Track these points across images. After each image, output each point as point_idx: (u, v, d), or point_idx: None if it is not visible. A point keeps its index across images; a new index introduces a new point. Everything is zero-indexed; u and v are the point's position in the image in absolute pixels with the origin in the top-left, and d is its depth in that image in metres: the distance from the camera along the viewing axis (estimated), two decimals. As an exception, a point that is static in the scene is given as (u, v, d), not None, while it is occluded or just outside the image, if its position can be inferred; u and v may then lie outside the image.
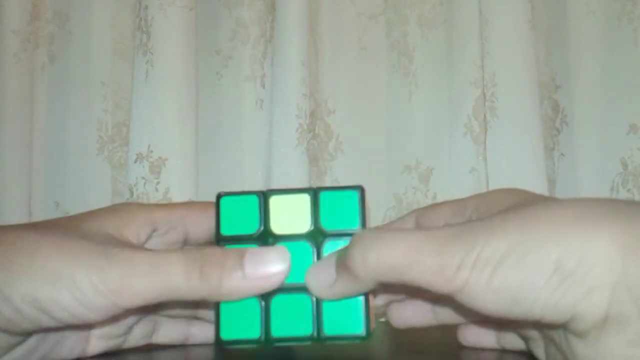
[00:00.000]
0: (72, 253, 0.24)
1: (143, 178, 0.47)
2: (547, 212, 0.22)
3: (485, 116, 0.47)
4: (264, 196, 0.27)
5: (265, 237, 0.27)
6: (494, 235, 0.21)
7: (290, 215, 0.27)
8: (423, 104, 0.50)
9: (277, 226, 0.27)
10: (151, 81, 0.47)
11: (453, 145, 0.49)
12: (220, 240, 0.27)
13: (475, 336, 0.29)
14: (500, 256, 0.21)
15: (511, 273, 0.21)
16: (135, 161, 0.47)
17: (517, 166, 0.46)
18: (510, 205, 0.24)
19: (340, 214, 0.27)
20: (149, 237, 0.28)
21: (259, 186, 0.50)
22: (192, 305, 0.30)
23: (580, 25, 0.49)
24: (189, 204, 0.30)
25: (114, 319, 0.26)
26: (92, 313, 0.24)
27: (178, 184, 0.47)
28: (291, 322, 0.26)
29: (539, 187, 0.45)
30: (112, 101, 0.52)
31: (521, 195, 0.26)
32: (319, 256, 0.27)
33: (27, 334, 0.26)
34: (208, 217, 0.29)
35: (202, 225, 0.29)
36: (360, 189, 0.27)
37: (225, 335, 0.26)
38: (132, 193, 0.47)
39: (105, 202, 0.52)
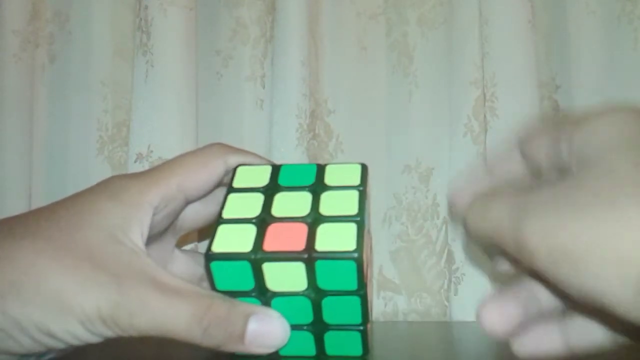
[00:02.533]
0: (82, 283, 0.24)
1: (143, 178, 0.47)
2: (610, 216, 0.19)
3: (485, 116, 0.47)
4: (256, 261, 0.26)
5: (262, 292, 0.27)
6: (575, 223, 0.20)
7: (286, 277, 0.27)
8: (423, 104, 0.50)
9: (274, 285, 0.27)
10: (151, 81, 0.47)
11: (453, 145, 0.49)
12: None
13: (535, 340, 0.26)
14: (577, 252, 0.19)
15: (583, 273, 0.19)
16: (135, 161, 0.47)
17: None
18: (603, 164, 0.21)
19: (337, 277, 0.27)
20: (152, 222, 0.28)
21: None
22: None
23: (580, 25, 0.49)
24: (180, 168, 0.29)
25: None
26: (97, 338, 0.25)
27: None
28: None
29: (539, 187, 0.45)
30: (112, 101, 0.52)
31: (621, 131, 0.23)
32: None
33: None
34: (204, 173, 0.29)
35: (199, 183, 0.30)
36: (358, 256, 0.26)
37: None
38: (132, 193, 0.47)
39: (105, 202, 0.52)
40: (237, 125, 0.51)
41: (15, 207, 0.50)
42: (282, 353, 0.28)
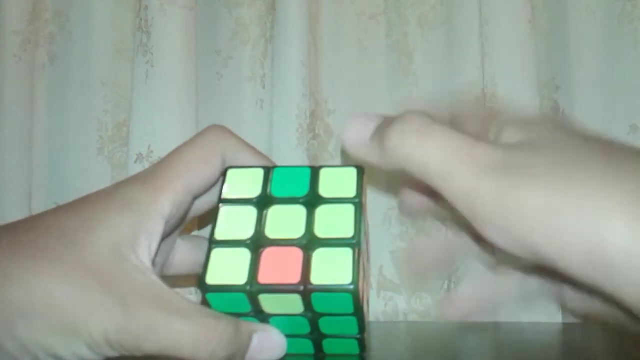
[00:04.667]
0: (89, 306, 0.24)
1: (143, 178, 0.47)
2: (597, 176, 0.20)
3: (485, 116, 0.47)
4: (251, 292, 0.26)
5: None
6: (535, 181, 0.20)
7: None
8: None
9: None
10: (151, 81, 0.47)
11: (453, 145, 0.49)
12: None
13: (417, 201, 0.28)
14: (534, 211, 0.20)
15: (545, 234, 0.20)
16: (135, 161, 0.47)
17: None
18: (554, 138, 0.22)
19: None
20: (162, 233, 0.28)
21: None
22: None
23: (580, 25, 0.49)
24: (185, 168, 0.29)
25: None
26: (101, 358, 0.25)
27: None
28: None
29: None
30: (112, 101, 0.52)
31: (565, 130, 0.24)
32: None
33: None
34: (207, 170, 0.29)
35: (204, 180, 0.29)
36: (355, 287, 0.26)
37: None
38: (132, 193, 0.47)
39: (105, 202, 0.52)
40: (237, 125, 0.50)
41: (15, 207, 0.50)
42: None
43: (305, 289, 0.25)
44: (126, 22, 0.52)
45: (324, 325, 0.27)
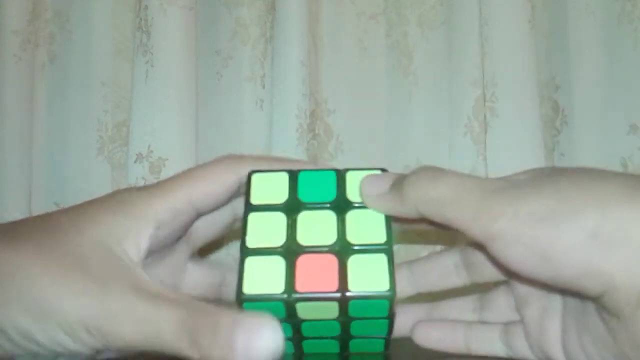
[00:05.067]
0: (67, 288, 0.24)
1: (143, 178, 0.47)
2: (596, 180, 0.22)
3: (485, 116, 0.47)
4: (288, 301, 0.26)
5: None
6: (539, 194, 0.22)
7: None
8: (423, 104, 0.50)
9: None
10: (151, 81, 0.47)
11: (453, 145, 0.49)
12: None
13: (438, 335, 0.29)
14: (540, 215, 0.22)
15: (547, 231, 0.21)
16: (135, 161, 0.47)
17: (517, 166, 0.45)
18: (556, 170, 0.25)
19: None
20: (154, 237, 0.27)
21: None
22: None
23: (580, 25, 0.49)
24: (188, 180, 0.29)
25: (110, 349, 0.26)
26: (84, 348, 0.24)
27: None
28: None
29: (539, 187, 0.45)
30: (112, 101, 0.52)
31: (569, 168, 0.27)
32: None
33: None
34: (213, 185, 0.28)
35: (209, 196, 0.29)
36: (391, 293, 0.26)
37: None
38: (132, 193, 0.47)
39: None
40: (237, 125, 0.51)
41: (15, 207, 0.50)
42: (307, 350, 0.28)
43: (343, 297, 0.25)
44: (126, 22, 0.52)
45: (355, 328, 0.27)
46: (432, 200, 0.25)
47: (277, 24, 0.48)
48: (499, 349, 0.28)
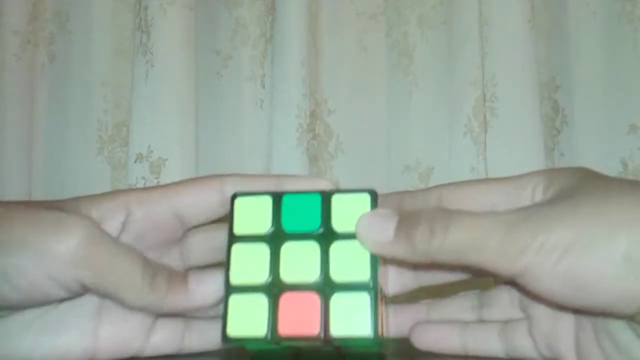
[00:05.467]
0: (40, 220, 0.24)
1: (143, 178, 0.47)
2: (618, 198, 0.21)
3: (485, 116, 0.47)
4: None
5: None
6: (562, 221, 0.21)
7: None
8: (423, 104, 0.50)
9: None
10: (151, 81, 0.47)
11: (453, 145, 0.49)
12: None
13: (435, 337, 0.29)
14: (567, 243, 0.21)
15: (578, 261, 0.21)
16: (135, 161, 0.47)
17: (517, 166, 0.46)
18: (577, 188, 0.23)
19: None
20: (121, 223, 0.28)
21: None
22: None
23: (580, 25, 0.49)
24: (172, 184, 0.29)
25: (75, 295, 0.26)
26: (57, 287, 0.24)
27: (178, 184, 0.47)
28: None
29: (539, 187, 0.45)
30: (112, 101, 0.52)
31: (587, 177, 0.25)
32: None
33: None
34: (197, 191, 0.28)
35: (192, 201, 0.28)
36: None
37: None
38: (132, 193, 0.47)
39: (105, 202, 0.52)
40: (237, 125, 0.51)
41: (15, 207, 0.50)
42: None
43: (326, 340, 0.25)
44: (126, 22, 0.52)
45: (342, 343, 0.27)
46: (449, 249, 0.23)
47: (277, 24, 0.48)
48: (497, 348, 0.28)
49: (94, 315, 0.28)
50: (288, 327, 0.26)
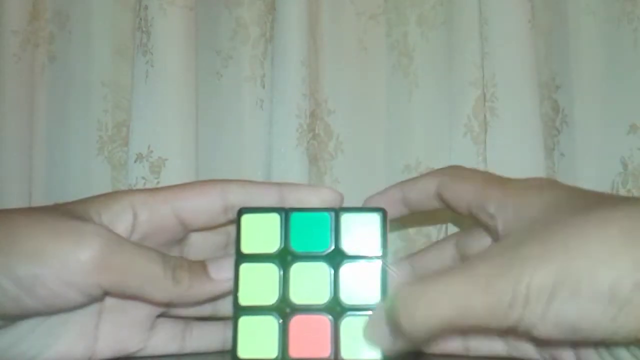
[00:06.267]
0: (59, 229, 0.25)
1: (143, 178, 0.47)
2: (593, 229, 0.21)
3: (485, 116, 0.47)
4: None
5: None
6: (541, 265, 0.20)
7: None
8: (423, 104, 0.50)
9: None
10: (151, 81, 0.47)
11: (453, 145, 0.49)
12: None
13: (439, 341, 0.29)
14: (550, 288, 0.20)
15: (565, 304, 0.20)
16: (135, 161, 0.47)
17: (517, 166, 0.46)
18: (547, 215, 0.23)
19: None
20: (131, 225, 0.28)
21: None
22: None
23: (580, 25, 0.49)
24: (174, 186, 0.30)
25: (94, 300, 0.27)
26: (77, 293, 0.24)
27: (178, 184, 0.47)
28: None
29: (539, 187, 0.45)
30: (112, 101, 0.52)
31: (551, 196, 0.24)
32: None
33: (13, 319, 0.26)
34: (198, 195, 0.29)
35: (194, 205, 0.29)
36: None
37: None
38: (132, 193, 0.47)
39: (105, 202, 0.52)
40: (237, 125, 0.51)
41: (15, 206, 0.50)
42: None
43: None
44: (126, 22, 0.52)
45: None
46: (438, 324, 0.22)
47: (277, 24, 0.48)
48: (499, 348, 0.28)
49: (95, 316, 0.28)
50: (299, 350, 0.26)
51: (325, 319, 0.26)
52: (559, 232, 0.21)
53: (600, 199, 0.23)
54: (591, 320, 0.20)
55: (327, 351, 0.26)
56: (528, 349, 0.27)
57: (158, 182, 0.46)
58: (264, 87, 0.51)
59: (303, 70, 0.47)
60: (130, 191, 0.29)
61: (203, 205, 0.29)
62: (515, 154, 0.46)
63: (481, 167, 0.47)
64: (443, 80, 0.50)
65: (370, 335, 0.25)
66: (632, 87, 0.47)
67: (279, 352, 0.26)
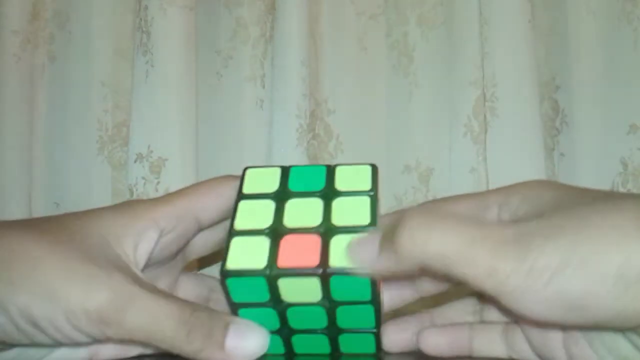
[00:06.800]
0: (71, 273, 0.24)
1: (143, 178, 0.47)
2: (604, 215, 0.21)
3: (485, 116, 0.47)
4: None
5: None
6: (550, 241, 0.21)
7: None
8: (423, 104, 0.50)
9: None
10: (151, 81, 0.47)
11: (453, 145, 0.49)
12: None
13: (445, 340, 0.29)
14: (557, 264, 0.20)
15: (569, 282, 0.20)
16: (135, 161, 0.47)
17: (517, 166, 0.46)
18: (556, 204, 0.23)
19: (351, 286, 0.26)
20: (155, 242, 0.28)
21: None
22: None
23: (580, 25, 0.49)
24: (191, 190, 0.30)
25: (103, 342, 0.26)
26: (83, 336, 0.24)
27: (178, 184, 0.47)
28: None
29: (539, 187, 0.45)
30: (112, 101, 0.52)
31: (558, 190, 0.25)
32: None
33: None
34: (215, 198, 0.29)
35: (211, 208, 0.29)
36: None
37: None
38: (132, 193, 0.47)
39: (106, 202, 0.52)
40: (237, 125, 0.51)
41: (15, 206, 0.50)
42: (297, 351, 0.28)
43: (324, 272, 0.25)
44: (126, 22, 0.52)
45: (341, 317, 0.27)
46: (433, 256, 0.22)
47: (277, 24, 0.48)
48: (501, 349, 0.28)
49: None
50: (287, 260, 0.26)
51: (316, 237, 0.27)
52: (570, 216, 0.21)
53: (606, 192, 0.24)
54: (596, 298, 0.20)
55: (315, 261, 0.26)
56: (525, 351, 0.27)
57: (158, 182, 0.46)
58: (264, 87, 0.51)
59: (303, 70, 0.47)
60: (150, 205, 0.29)
61: (219, 205, 0.29)
62: (515, 153, 0.46)
63: (481, 167, 0.47)
64: (443, 80, 0.50)
65: (355, 248, 0.25)
66: (632, 87, 0.47)
67: (267, 262, 0.26)
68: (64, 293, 0.23)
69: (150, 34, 0.47)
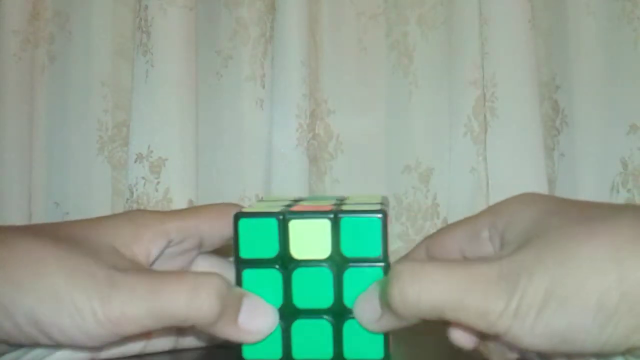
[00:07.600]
0: (76, 276, 0.24)
1: (143, 178, 0.47)
2: (581, 244, 0.21)
3: (485, 116, 0.47)
4: (284, 219, 0.27)
5: (285, 261, 0.27)
6: (534, 278, 0.21)
7: (310, 239, 0.27)
8: (423, 104, 0.50)
9: (297, 251, 0.27)
10: (151, 81, 0.47)
11: (453, 145, 0.49)
12: (240, 262, 0.27)
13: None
14: (541, 299, 0.21)
15: (554, 318, 0.21)
16: (135, 161, 0.47)
17: (517, 166, 0.46)
18: (540, 228, 0.23)
19: (361, 240, 0.27)
20: (162, 250, 0.28)
21: (260, 186, 0.50)
22: None
23: (580, 25, 0.49)
24: (201, 211, 0.30)
25: (112, 345, 0.26)
26: (90, 340, 0.24)
27: (178, 184, 0.47)
28: (312, 346, 0.27)
29: (539, 187, 0.45)
30: (112, 101, 0.52)
31: (541, 207, 0.25)
32: (339, 282, 0.27)
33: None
34: (221, 223, 0.29)
35: (215, 232, 0.30)
36: (383, 215, 0.26)
37: (247, 354, 0.27)
38: (132, 193, 0.47)
39: (106, 202, 0.52)
40: (237, 125, 0.51)
41: (15, 207, 0.50)
42: (296, 356, 0.28)
43: (336, 216, 0.26)
44: (126, 22, 0.52)
45: (348, 284, 0.27)
46: (427, 309, 0.23)
47: (277, 24, 0.48)
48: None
49: None
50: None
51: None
52: (552, 243, 0.22)
53: (589, 209, 0.24)
54: (581, 331, 0.20)
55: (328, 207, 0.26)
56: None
57: (158, 182, 0.46)
58: (264, 87, 0.51)
59: (303, 70, 0.47)
60: (162, 216, 0.29)
61: (223, 231, 0.29)
62: (515, 153, 0.46)
63: (481, 167, 0.47)
64: (443, 80, 0.50)
65: (360, 309, 0.26)
66: (632, 87, 0.47)
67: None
68: (69, 295, 0.23)
69: (150, 34, 0.47)
